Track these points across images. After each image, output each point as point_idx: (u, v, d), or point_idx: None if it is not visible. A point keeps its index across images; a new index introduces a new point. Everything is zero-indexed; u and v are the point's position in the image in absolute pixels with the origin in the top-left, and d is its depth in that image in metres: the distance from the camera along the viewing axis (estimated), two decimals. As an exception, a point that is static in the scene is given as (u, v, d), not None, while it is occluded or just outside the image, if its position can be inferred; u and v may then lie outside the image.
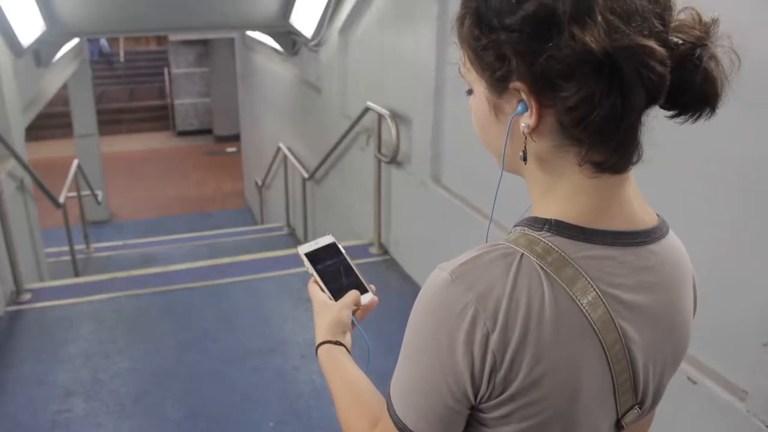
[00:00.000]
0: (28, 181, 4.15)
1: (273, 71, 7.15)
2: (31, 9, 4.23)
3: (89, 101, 9.06)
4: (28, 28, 4.24)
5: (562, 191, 0.65)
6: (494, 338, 0.59)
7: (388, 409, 0.68)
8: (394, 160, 3.46)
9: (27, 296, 3.39)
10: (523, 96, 0.60)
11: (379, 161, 3.68)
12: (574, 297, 0.61)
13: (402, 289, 3.47)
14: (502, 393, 0.61)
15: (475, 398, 0.62)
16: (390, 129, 3.36)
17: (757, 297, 1.48)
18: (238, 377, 2.71)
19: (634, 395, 0.70)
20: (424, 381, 0.64)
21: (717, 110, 0.64)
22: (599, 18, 0.54)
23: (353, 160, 4.40)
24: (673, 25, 0.59)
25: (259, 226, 7.71)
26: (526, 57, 0.57)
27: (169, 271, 3.78)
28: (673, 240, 0.73)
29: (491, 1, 0.59)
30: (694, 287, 0.77)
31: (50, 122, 12.38)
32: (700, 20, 0.60)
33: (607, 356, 0.63)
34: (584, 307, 0.61)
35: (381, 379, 2.75)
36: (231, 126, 12.96)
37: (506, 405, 0.62)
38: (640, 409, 0.72)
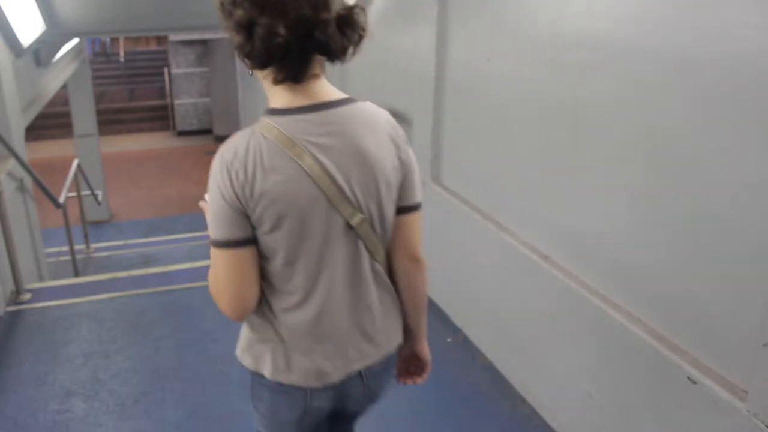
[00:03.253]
0: (28, 181, 4.14)
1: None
2: (31, 9, 4.23)
3: (89, 101, 9.05)
4: (28, 28, 4.24)
5: (272, 94, 1.17)
6: (235, 172, 1.10)
7: (210, 244, 1.17)
8: (394, 160, 3.45)
9: (27, 296, 3.39)
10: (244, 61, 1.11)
11: (379, 161, 3.68)
12: (282, 146, 1.11)
13: (402, 289, 3.47)
14: (249, 201, 1.10)
15: (241, 205, 1.11)
16: (390, 129, 3.36)
17: (757, 297, 1.48)
18: (238, 377, 2.70)
19: (350, 204, 1.16)
20: (216, 208, 1.13)
21: (345, 58, 1.16)
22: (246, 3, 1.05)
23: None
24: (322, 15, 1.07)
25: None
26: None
27: (169, 271, 3.78)
28: (360, 108, 1.24)
29: None
30: (397, 143, 1.26)
31: (50, 122, 12.37)
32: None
33: (310, 176, 1.11)
34: (288, 150, 1.11)
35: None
36: (231, 126, 12.93)
37: (255, 209, 1.11)
38: (362, 213, 1.18)
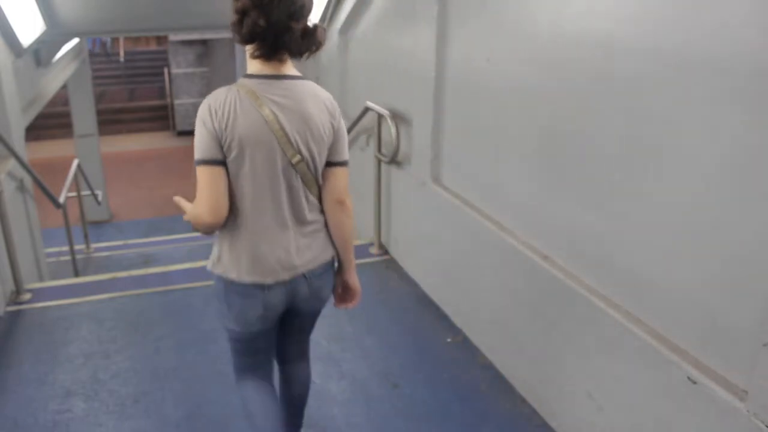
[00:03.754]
0: (28, 181, 4.14)
1: (273, 71, 7.14)
2: (31, 9, 4.23)
3: (89, 101, 9.05)
4: (28, 28, 4.24)
5: (249, 64, 1.63)
6: (215, 111, 1.56)
7: (195, 164, 1.59)
8: (394, 161, 3.46)
9: (27, 296, 3.39)
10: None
11: (379, 161, 3.68)
12: (249, 99, 1.57)
13: (402, 289, 3.47)
14: (223, 133, 1.56)
15: (218, 135, 1.56)
16: (390, 129, 3.36)
17: (757, 297, 1.48)
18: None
19: (292, 147, 1.62)
20: (200, 137, 1.58)
21: (301, 57, 1.61)
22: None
23: (353, 161, 4.38)
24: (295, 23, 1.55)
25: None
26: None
27: (169, 271, 3.78)
28: (310, 84, 1.69)
29: None
30: (332, 114, 1.70)
31: (50, 122, 12.37)
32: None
33: (266, 122, 1.57)
34: (253, 101, 1.57)
35: (383, 379, 2.77)
36: (231, 126, 12.87)
37: (226, 139, 1.56)
38: (301, 156, 1.64)
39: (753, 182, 1.48)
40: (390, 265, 3.76)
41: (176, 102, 14.25)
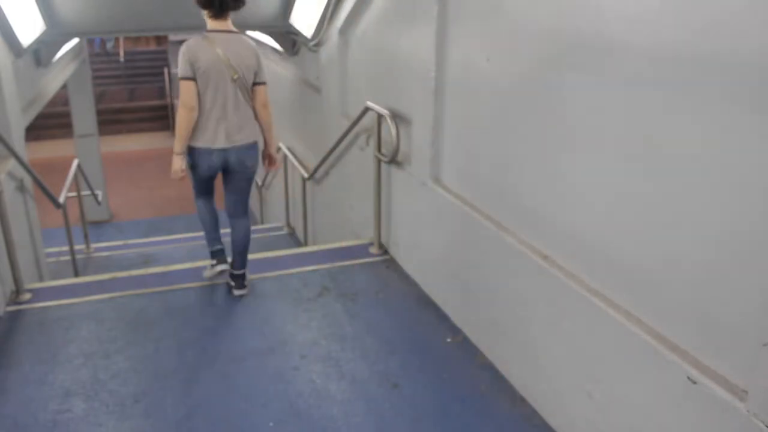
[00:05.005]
0: (28, 181, 4.14)
1: (273, 71, 7.14)
2: (31, 9, 4.23)
3: (89, 101, 9.05)
4: (28, 28, 4.24)
5: (208, 23, 3.04)
6: (188, 49, 2.95)
7: (179, 80, 3.01)
8: (394, 160, 3.46)
9: (27, 296, 3.39)
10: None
11: (379, 161, 3.68)
12: (207, 43, 2.97)
13: (402, 289, 3.47)
14: (194, 62, 2.94)
15: (191, 63, 2.94)
16: (390, 129, 3.36)
17: (757, 297, 1.48)
18: (238, 377, 2.71)
19: (233, 70, 3.00)
20: (181, 64, 2.97)
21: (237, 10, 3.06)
22: None
23: (353, 160, 4.40)
24: None
25: (259, 226, 7.70)
26: None
27: (169, 271, 3.78)
28: (244, 36, 3.12)
29: None
30: (257, 56, 3.11)
31: (50, 122, 12.38)
32: None
33: (218, 56, 2.95)
34: (210, 45, 2.98)
35: (383, 379, 2.78)
36: (231, 126, 12.89)
37: (195, 65, 2.95)
38: (238, 75, 3.02)
39: (755, 181, 1.47)
40: (390, 265, 3.76)
41: (176, 102, 14.25)
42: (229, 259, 3.43)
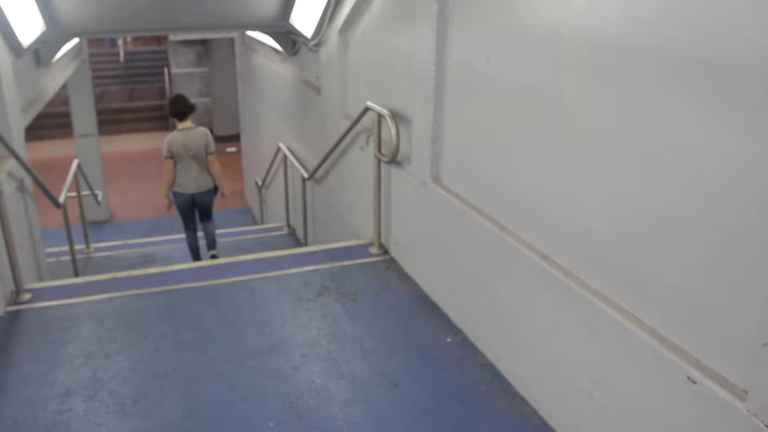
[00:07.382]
0: (28, 181, 4.15)
1: (273, 71, 7.15)
2: (31, 9, 4.23)
3: (89, 101, 9.06)
4: (28, 28, 4.24)
5: (177, 125, 5.46)
6: (169, 141, 5.14)
7: (164, 159, 5.27)
8: (394, 160, 3.46)
9: (27, 296, 3.39)
10: None
11: (379, 161, 3.68)
12: (179, 136, 5.16)
13: (402, 289, 3.48)
14: (172, 148, 5.15)
15: (171, 149, 5.16)
16: (390, 129, 3.36)
17: (757, 297, 1.48)
18: (238, 377, 2.71)
19: (192, 151, 5.15)
20: (165, 149, 5.24)
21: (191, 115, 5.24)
22: None
23: (353, 160, 4.40)
24: None
25: (259, 226, 7.71)
26: None
27: (169, 271, 3.78)
28: (198, 129, 5.22)
29: None
30: (207, 139, 5.22)
31: (50, 122, 12.38)
32: None
33: (183, 144, 5.14)
34: (179, 138, 5.14)
35: (384, 380, 2.77)
36: (231, 126, 12.94)
37: (172, 150, 5.16)
38: (194, 152, 5.15)
39: (754, 183, 1.47)
40: (390, 265, 3.76)
41: (176, 102, 14.26)
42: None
